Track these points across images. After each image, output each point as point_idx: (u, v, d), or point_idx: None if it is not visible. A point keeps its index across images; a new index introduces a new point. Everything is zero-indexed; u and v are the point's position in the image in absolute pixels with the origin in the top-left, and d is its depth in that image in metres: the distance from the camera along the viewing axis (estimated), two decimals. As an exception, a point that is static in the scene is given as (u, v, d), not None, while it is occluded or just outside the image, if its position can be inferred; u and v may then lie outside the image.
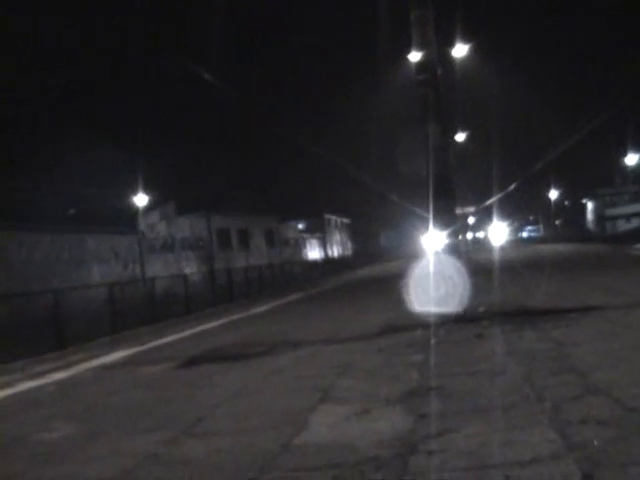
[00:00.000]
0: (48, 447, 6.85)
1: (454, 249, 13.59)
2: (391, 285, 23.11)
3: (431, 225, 13.51)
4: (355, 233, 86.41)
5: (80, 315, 20.82)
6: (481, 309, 13.68)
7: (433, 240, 13.97)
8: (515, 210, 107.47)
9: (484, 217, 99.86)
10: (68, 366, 13.63)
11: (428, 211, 13.66)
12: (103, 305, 21.81)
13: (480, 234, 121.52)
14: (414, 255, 48.36)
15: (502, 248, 66.83)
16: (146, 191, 40.90)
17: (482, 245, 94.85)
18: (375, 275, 42.96)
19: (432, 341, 10.53)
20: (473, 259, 34.03)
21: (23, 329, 18.53)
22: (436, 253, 13.97)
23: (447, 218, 13.44)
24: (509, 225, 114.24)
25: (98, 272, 33.83)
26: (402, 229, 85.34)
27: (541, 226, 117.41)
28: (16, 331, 18.52)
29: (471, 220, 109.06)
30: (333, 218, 77.30)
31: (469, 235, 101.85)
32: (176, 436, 6.50)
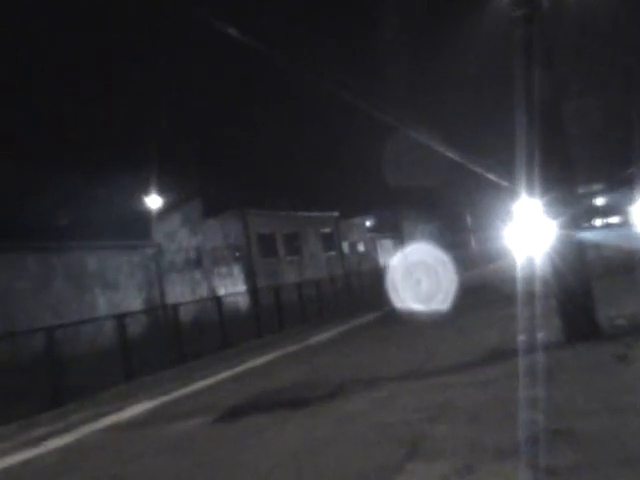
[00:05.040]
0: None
1: (572, 246, 13.22)
2: (491, 295, 22.94)
3: (526, 212, 13.27)
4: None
5: (83, 359, 21.08)
6: (621, 321, 13.49)
7: (531, 234, 13.69)
8: None
9: (621, 197, 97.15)
10: (71, 428, 13.81)
11: (519, 190, 13.44)
12: (112, 343, 22.04)
13: (615, 219, 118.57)
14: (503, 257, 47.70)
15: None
16: (163, 190, 41.17)
17: (619, 233, 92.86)
18: (466, 282, 42.67)
19: (555, 367, 10.40)
20: (604, 255, 33.50)
21: (9, 382, 18.69)
22: (538, 252, 13.71)
23: (561, 200, 13.14)
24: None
25: (103, 300, 33.95)
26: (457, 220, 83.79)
27: None
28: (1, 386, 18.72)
29: (600, 201, 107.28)
30: (412, 212, 76.92)
31: (597, 222, 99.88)
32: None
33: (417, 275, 46.95)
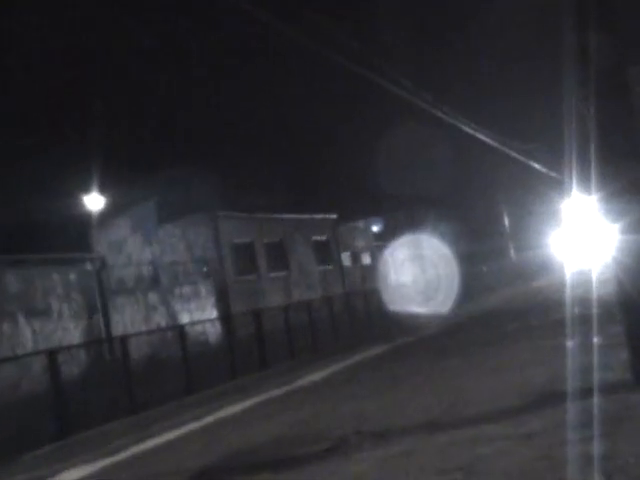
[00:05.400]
0: None
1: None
2: (535, 321, 22.98)
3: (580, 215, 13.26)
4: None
5: (1, 409, 21.04)
6: None
7: (585, 241, 13.67)
8: None
9: None
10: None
11: (569, 184, 13.41)
12: (41, 388, 22.00)
13: None
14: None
15: None
16: (107, 187, 41.10)
17: None
18: (503, 304, 42.86)
19: (622, 415, 10.37)
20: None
21: None
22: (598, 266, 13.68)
23: (627, 196, 13.04)
24: None
25: (29, 331, 33.84)
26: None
27: None
28: None
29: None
30: (432, 214, 76.46)
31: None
32: None
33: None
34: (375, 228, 68.78)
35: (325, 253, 57.27)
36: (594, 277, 14.88)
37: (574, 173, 13.38)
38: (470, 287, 57.64)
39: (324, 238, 57.50)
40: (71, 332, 35.65)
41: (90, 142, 41.02)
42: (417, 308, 45.97)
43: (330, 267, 57.29)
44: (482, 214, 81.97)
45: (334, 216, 58.61)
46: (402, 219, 71.27)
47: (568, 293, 20.90)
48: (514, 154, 27.80)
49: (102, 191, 40.48)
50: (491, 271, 65.49)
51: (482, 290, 60.71)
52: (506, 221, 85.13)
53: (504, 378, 15.53)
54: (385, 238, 68.78)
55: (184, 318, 40.62)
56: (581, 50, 13.12)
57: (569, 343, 15.71)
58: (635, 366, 12.60)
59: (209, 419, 19.26)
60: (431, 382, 18.27)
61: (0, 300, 32.64)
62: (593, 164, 13.03)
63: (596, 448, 8.94)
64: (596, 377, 12.68)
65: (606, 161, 12.98)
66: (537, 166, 28.12)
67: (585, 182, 13.20)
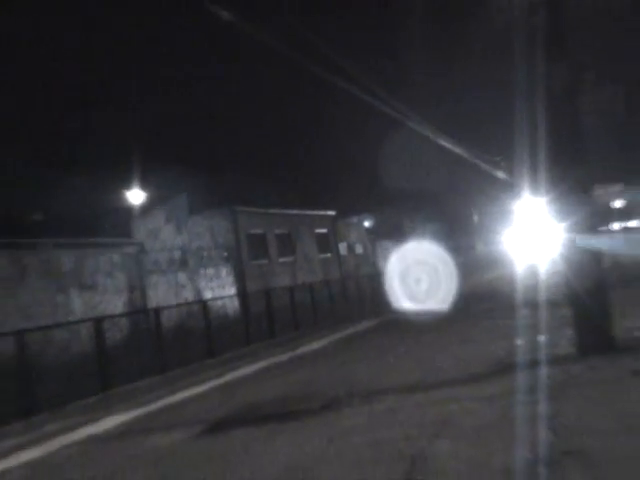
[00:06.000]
0: None
1: (585, 252, 13.14)
2: (501, 302, 22.95)
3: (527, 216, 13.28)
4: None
5: (56, 366, 21.03)
6: (638, 334, 13.51)
7: (534, 238, 13.66)
8: None
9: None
10: (42, 440, 13.76)
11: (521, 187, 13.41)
12: (89, 349, 21.98)
13: (635, 222, 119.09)
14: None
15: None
16: (146, 184, 41.26)
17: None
18: (473, 290, 42.70)
19: (567, 382, 10.40)
20: (622, 263, 33.45)
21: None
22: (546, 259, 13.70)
23: (571, 199, 13.06)
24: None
25: (79, 302, 33.81)
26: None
27: None
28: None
29: (618, 204, 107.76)
30: (415, 212, 76.62)
31: (614, 225, 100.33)
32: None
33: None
34: (367, 223, 68.70)
35: (325, 243, 57.22)
36: (542, 270, 14.89)
37: (525, 178, 13.43)
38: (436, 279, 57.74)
39: (324, 231, 57.46)
40: (114, 304, 35.61)
41: (132, 148, 41.13)
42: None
43: (329, 255, 57.24)
44: (457, 215, 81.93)
45: (333, 213, 58.60)
46: (390, 217, 71.13)
47: (520, 283, 20.88)
48: (484, 165, 27.78)
49: (142, 187, 40.71)
50: (463, 263, 65.43)
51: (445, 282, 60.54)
52: (475, 220, 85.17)
53: (470, 350, 15.54)
54: (375, 232, 68.82)
55: (207, 294, 40.64)
56: (531, 76, 13.17)
57: (523, 323, 15.72)
58: (578, 342, 12.66)
59: (226, 378, 19.27)
60: (411, 352, 18.27)
61: (56, 276, 32.71)
62: (542, 170, 13.07)
63: (544, 409, 8.98)
64: (545, 351, 12.72)
65: (555, 164, 13.01)
66: (502, 175, 28.07)
67: (535, 186, 13.21)
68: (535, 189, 13.37)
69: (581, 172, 13.20)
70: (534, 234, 13.81)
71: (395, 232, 71.34)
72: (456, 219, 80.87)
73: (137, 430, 13.59)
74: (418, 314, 28.60)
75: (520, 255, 34.02)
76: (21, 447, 13.30)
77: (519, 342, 14.21)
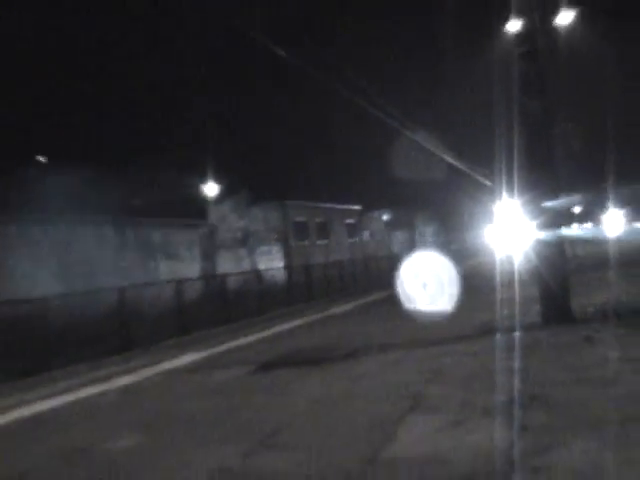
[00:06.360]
0: (113, 459, 6.95)
1: (552, 243, 13.12)
2: (484, 282, 22.84)
3: (506, 213, 13.24)
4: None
5: (146, 315, 21.17)
6: (591, 309, 13.43)
7: (512, 234, 13.59)
8: (632, 198, 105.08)
9: (593, 206, 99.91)
10: (134, 370, 13.89)
11: (501, 192, 13.38)
12: (171, 304, 22.12)
13: (588, 225, 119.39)
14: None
15: (620, 240, 64.69)
16: (217, 179, 41.48)
17: (591, 237, 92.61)
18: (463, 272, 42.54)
19: (534, 344, 10.37)
20: (579, 254, 33.40)
21: (86, 329, 18.84)
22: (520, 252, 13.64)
23: (542, 202, 13.03)
24: (626, 214, 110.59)
25: (165, 268, 34.20)
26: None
27: None
28: (79, 333, 18.88)
29: (577, 209, 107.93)
30: (421, 210, 76.46)
31: (573, 226, 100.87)
32: (252, 448, 6.51)
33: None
34: (385, 217, 68.52)
35: (352, 231, 57.13)
36: (516, 258, 14.86)
37: (504, 185, 13.43)
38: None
39: (352, 221, 57.35)
40: (191, 270, 35.88)
41: (207, 153, 41.35)
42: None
43: (355, 240, 57.19)
44: (452, 214, 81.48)
45: (359, 207, 58.55)
46: (402, 213, 70.85)
47: (498, 268, 20.78)
48: (473, 174, 27.70)
49: (215, 182, 40.99)
50: (456, 250, 65.04)
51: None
52: (465, 219, 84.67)
53: (460, 317, 15.50)
54: (391, 224, 68.67)
55: (261, 266, 40.75)
56: (510, 110, 13.14)
57: (501, 298, 15.65)
58: (543, 314, 12.63)
59: (273, 330, 19.32)
60: (413, 317, 18.23)
61: (149, 248, 33.17)
62: (517, 180, 13.08)
63: (516, 364, 8.95)
64: (518, 320, 12.67)
65: (529, 176, 13.00)
66: (490, 183, 28.01)
67: (512, 192, 13.20)
68: (512, 194, 13.36)
69: (549, 183, 13.16)
70: (510, 230, 13.73)
71: (405, 226, 71.25)
72: (451, 217, 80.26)
73: (205, 366, 13.67)
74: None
75: (499, 246, 33.79)
76: (118, 375, 13.44)
77: (498, 312, 14.17)
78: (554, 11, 14.05)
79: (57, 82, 58.05)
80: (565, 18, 14.59)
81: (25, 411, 10.76)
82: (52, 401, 11.32)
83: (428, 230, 78.36)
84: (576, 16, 16.06)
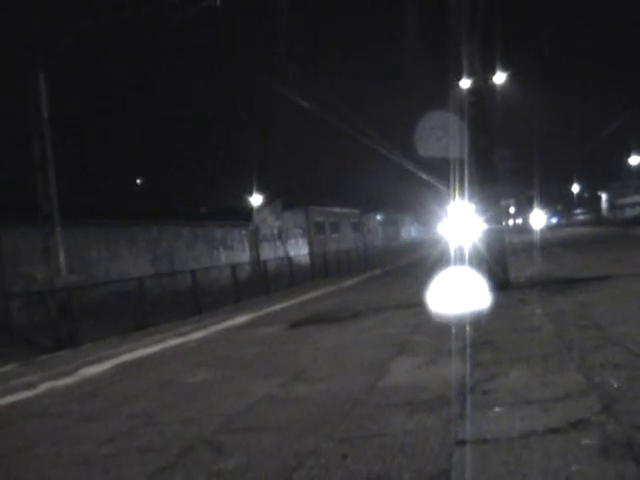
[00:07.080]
0: (192, 387, 7.15)
1: (495, 233, 13.16)
2: (440, 263, 22.84)
3: (455, 211, 13.26)
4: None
5: (211, 289, 21.39)
6: (522, 280, 13.57)
7: (463, 228, 13.56)
8: (548, 201, 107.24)
9: (522, 207, 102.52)
10: (204, 327, 14.00)
11: (454, 196, 13.41)
12: (228, 281, 22.31)
13: (519, 220, 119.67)
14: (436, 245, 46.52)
15: (541, 231, 64.54)
16: (259, 192, 41.57)
17: (524, 229, 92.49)
18: (421, 257, 42.48)
19: (483, 305, 10.45)
20: (512, 241, 33.36)
21: (171, 300, 19.21)
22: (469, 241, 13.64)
23: (488, 205, 13.05)
24: (545, 213, 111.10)
25: (224, 256, 34.46)
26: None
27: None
28: (166, 301, 19.21)
29: (511, 209, 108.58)
30: (403, 211, 76.02)
31: (509, 221, 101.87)
32: (287, 381, 6.67)
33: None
34: (378, 217, 68.27)
35: (356, 228, 57.07)
36: (466, 245, 14.88)
37: (457, 191, 13.50)
38: (410, 250, 57.58)
39: (355, 221, 57.33)
40: (242, 257, 35.99)
41: (252, 172, 41.46)
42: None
43: (358, 234, 57.14)
44: (421, 214, 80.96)
45: (359, 210, 58.49)
46: (390, 214, 70.56)
47: (452, 255, 20.74)
48: (440, 186, 27.68)
49: (259, 193, 41.08)
50: (421, 243, 64.62)
51: (415, 251, 60.06)
52: (428, 217, 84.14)
53: (430, 287, 15.51)
54: (382, 223, 68.38)
55: (291, 253, 40.81)
56: (463, 140, 13.18)
57: (454, 274, 15.65)
58: (489, 284, 12.70)
59: (301, 298, 19.35)
60: (400, 287, 18.28)
61: (212, 242, 33.41)
62: (467, 185, 13.14)
63: (471, 319, 9.03)
64: (471, 286, 12.73)
65: (477, 184, 13.06)
66: (445, 189, 27.98)
67: (463, 194, 13.28)
68: (463, 198, 13.44)
69: (493, 191, 13.21)
70: (462, 224, 13.74)
71: (392, 223, 71.03)
72: (421, 217, 79.70)
73: (253, 325, 13.77)
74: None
75: (452, 237, 33.75)
76: (192, 331, 13.57)
77: (456, 284, 14.21)
78: (493, 73, 14.11)
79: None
80: (500, 78, 14.66)
81: (135, 354, 10.98)
82: (150, 349, 11.49)
83: (407, 226, 78.15)
84: (508, 76, 16.08)
